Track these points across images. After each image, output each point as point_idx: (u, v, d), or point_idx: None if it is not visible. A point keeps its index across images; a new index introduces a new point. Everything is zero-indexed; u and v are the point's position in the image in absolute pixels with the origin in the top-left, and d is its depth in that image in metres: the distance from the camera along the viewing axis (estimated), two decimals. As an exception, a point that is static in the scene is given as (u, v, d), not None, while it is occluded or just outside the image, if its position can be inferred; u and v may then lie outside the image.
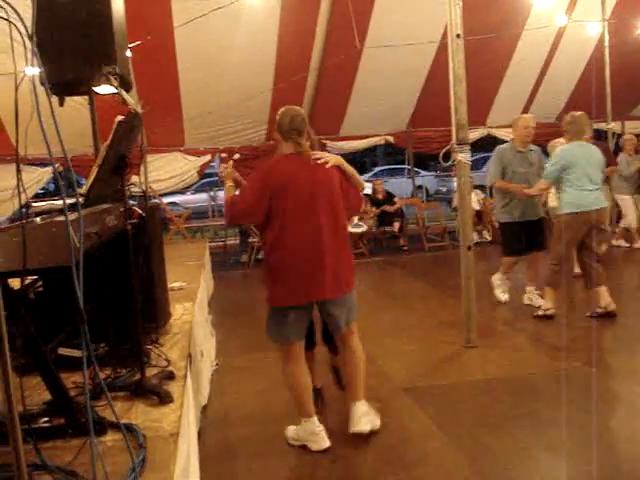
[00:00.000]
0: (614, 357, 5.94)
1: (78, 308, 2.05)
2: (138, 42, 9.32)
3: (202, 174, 14.16)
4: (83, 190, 3.02)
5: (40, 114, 1.79)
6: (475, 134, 14.34)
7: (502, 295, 8.16)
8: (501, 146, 8.03)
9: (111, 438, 2.83)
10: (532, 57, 13.14)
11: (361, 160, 34.23)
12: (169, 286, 5.48)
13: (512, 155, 7.79)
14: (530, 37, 12.56)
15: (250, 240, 12.75)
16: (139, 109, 3.35)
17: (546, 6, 11.47)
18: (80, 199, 3.05)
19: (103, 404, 3.14)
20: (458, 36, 6.30)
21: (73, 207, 2.95)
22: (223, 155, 13.38)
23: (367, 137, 14.42)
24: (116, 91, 3.38)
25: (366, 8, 11.22)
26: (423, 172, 25.35)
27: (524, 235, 7.78)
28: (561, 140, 7.78)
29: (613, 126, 13.16)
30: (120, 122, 2.95)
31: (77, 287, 2.01)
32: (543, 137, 15.06)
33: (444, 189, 23.39)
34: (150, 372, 3.56)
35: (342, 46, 11.28)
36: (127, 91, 3.75)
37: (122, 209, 3.27)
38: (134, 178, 11.93)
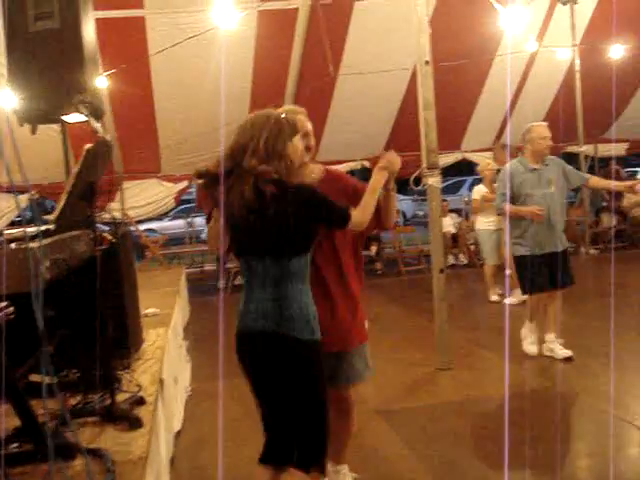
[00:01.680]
0: (586, 377, 6.01)
1: (38, 332, 2.08)
2: (113, 70, 9.41)
3: (179, 200, 14.19)
4: (52, 217, 3.05)
5: (1, 142, 1.83)
6: (450, 158, 14.50)
7: (531, 347, 6.77)
8: (509, 165, 6.71)
9: (81, 462, 2.85)
10: (505, 82, 13.32)
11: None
12: (143, 312, 5.50)
13: (524, 174, 6.52)
14: (502, 63, 12.74)
15: (227, 266, 12.75)
16: (108, 137, 3.39)
17: (517, 33, 11.64)
18: (50, 226, 3.10)
19: (73, 429, 3.17)
20: (427, 63, 6.40)
21: (43, 234, 3.00)
22: (199, 181, 13.42)
23: (344, 162, 14.48)
24: (86, 119, 3.42)
25: (340, 36, 11.36)
26: (401, 196, 25.43)
27: (545, 270, 6.46)
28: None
29: (585, 149, 13.38)
30: (88, 150, 2.99)
31: (37, 312, 2.04)
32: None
33: (421, 213, 23.51)
34: (121, 397, 3.58)
35: (317, 73, 11.41)
36: (98, 119, 3.78)
37: (91, 236, 3.31)
38: (110, 205, 11.97)
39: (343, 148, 13.83)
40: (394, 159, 3.30)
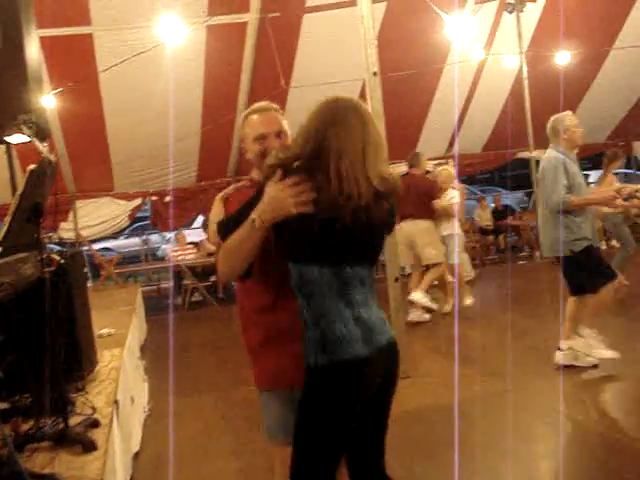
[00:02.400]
0: (539, 379, 6.07)
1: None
2: (61, 89, 9.32)
3: (133, 218, 14.07)
4: (-4, 240, 3.00)
5: None
6: (403, 168, 14.58)
7: (606, 352, 6.04)
8: (553, 154, 6.03)
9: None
10: (455, 91, 13.46)
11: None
12: (97, 333, 5.43)
13: (572, 164, 5.98)
14: (452, 72, 12.87)
15: (184, 282, 12.68)
16: (52, 157, 3.35)
17: (465, 42, 11.79)
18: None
19: (26, 455, 3.12)
20: (375, 74, 6.44)
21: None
22: (154, 198, 13.36)
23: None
24: (30, 140, 3.38)
25: (290, 49, 11.41)
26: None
27: None
28: None
29: (536, 155, 13.56)
30: (32, 171, 2.95)
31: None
32: (470, 167, 15.52)
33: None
34: (75, 421, 3.53)
35: (268, 86, 11.41)
36: (43, 139, 3.73)
37: (39, 258, 3.26)
38: (62, 225, 11.83)
39: (297, 160, 13.84)
40: None
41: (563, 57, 12.94)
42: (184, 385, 6.91)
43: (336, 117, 2.49)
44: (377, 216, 2.47)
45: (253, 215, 2.39)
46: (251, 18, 10.93)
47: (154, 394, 6.69)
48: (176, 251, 13.37)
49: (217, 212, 3.00)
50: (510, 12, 12.31)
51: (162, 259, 17.25)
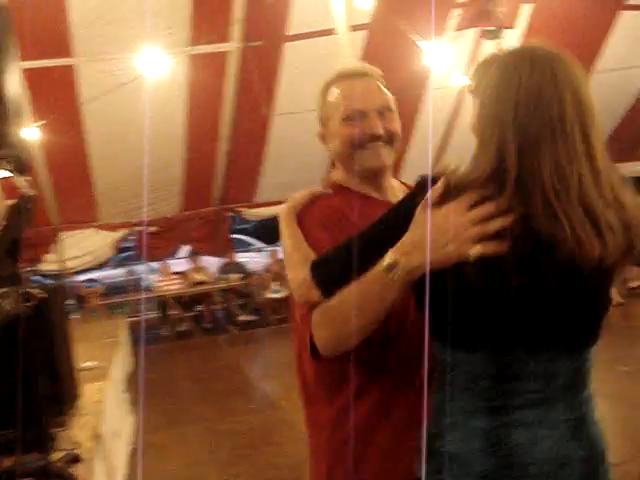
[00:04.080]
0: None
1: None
2: (44, 121, 9.33)
3: (119, 249, 14.02)
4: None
5: None
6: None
7: None
8: None
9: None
10: (437, 118, 13.52)
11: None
12: (80, 366, 5.38)
13: None
14: (433, 100, 12.96)
15: (169, 313, 12.61)
16: (32, 193, 3.34)
17: (444, 69, 11.87)
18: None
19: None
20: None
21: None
22: (138, 228, 13.32)
23: (285, 202, 14.41)
24: (10, 175, 3.37)
25: (272, 77, 11.47)
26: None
27: None
28: None
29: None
30: (12, 206, 2.95)
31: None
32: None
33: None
34: (57, 456, 3.49)
35: (251, 115, 11.47)
36: (23, 174, 3.73)
37: (19, 292, 3.24)
38: (47, 257, 11.75)
39: (284, 187, 13.79)
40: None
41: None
42: (170, 417, 6.86)
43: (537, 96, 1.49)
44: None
45: (390, 258, 1.44)
46: (232, 47, 10.98)
47: (139, 427, 6.64)
48: (161, 281, 13.30)
49: (296, 237, 1.90)
50: (490, 39, 12.37)
51: (148, 289, 17.18)
